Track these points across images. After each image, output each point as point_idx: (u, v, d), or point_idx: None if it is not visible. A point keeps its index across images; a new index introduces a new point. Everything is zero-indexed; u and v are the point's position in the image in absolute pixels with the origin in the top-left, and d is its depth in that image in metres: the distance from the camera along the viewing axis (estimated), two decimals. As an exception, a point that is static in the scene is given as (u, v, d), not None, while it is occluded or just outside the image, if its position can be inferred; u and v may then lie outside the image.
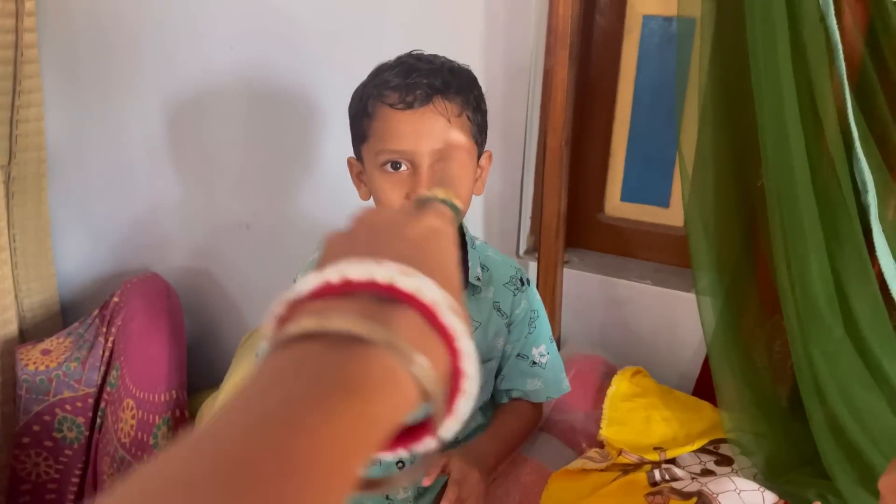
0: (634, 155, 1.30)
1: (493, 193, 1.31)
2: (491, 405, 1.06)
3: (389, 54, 0.91)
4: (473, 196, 0.94)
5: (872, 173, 0.92)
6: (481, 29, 1.23)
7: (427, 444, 0.33)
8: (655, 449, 1.01)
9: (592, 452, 1.02)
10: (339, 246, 0.36)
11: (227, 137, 1.54)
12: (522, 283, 1.00)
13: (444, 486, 0.85)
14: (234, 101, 1.50)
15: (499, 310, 0.98)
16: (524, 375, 1.01)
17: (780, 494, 0.89)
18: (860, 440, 0.90)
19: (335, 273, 0.32)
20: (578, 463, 0.99)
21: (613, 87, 1.27)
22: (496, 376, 1.03)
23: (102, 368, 1.54)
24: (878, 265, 0.93)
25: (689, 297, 1.13)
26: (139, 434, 1.43)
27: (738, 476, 0.92)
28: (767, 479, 0.95)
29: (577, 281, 1.28)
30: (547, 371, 1.02)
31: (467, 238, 0.98)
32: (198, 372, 1.62)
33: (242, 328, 1.63)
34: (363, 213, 0.39)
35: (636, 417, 1.05)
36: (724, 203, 1.05)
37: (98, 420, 1.55)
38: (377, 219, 0.38)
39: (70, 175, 1.75)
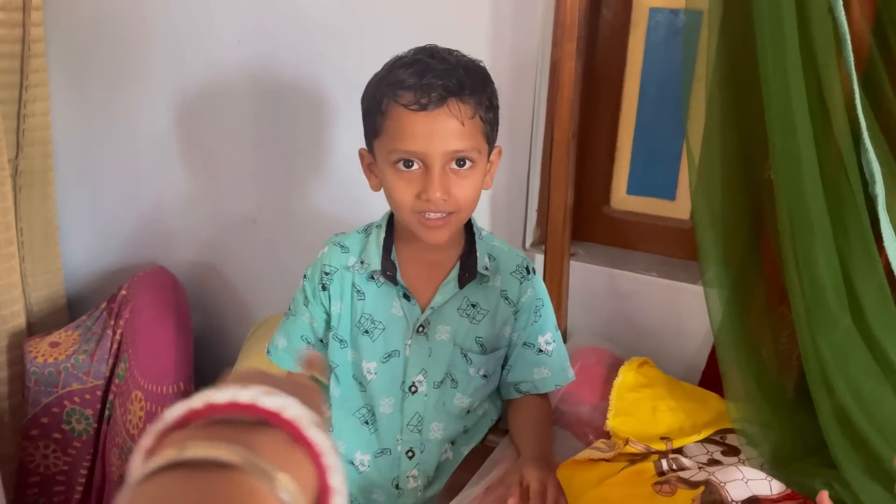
0: (640, 148, 1.30)
1: (500, 186, 1.31)
2: (497, 395, 1.07)
3: (396, 49, 0.91)
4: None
5: (880, 164, 0.92)
6: (488, 21, 1.23)
7: None
8: (662, 439, 1.01)
9: (599, 443, 1.02)
10: None
11: (235, 132, 1.55)
12: (528, 272, 1.01)
13: (454, 474, 0.86)
14: (242, 95, 1.50)
15: (506, 298, 0.99)
16: (531, 365, 1.02)
17: (787, 484, 0.89)
18: (867, 430, 0.90)
19: (199, 399, 0.33)
20: (586, 453, 0.99)
21: (620, 79, 1.27)
22: (503, 368, 1.04)
23: (110, 361, 1.55)
24: (886, 256, 0.93)
25: (696, 290, 1.14)
26: (147, 426, 1.44)
27: (745, 466, 0.92)
28: (773, 469, 0.95)
29: (584, 273, 1.28)
30: (553, 359, 1.03)
31: (474, 229, 0.99)
32: (205, 365, 1.63)
33: (249, 322, 1.63)
34: None
35: (643, 408, 1.05)
36: (730, 194, 1.05)
37: (106, 412, 1.56)
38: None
39: (77, 169, 1.75)
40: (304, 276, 1.02)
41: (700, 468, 0.94)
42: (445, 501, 0.94)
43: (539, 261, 1.27)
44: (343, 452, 1.01)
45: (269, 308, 1.59)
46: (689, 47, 1.07)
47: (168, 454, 0.30)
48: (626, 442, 1.01)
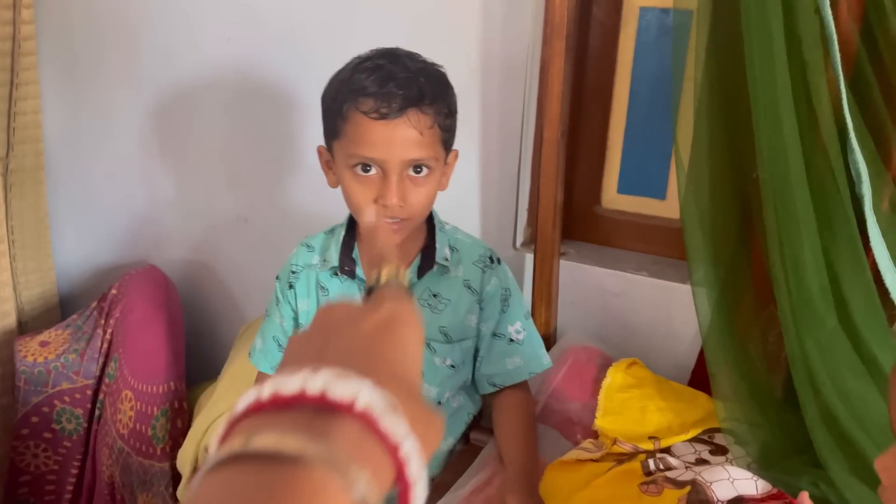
0: (631, 147, 1.30)
1: (490, 185, 1.31)
2: (474, 389, 1.07)
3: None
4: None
5: (867, 164, 0.92)
6: (478, 20, 1.23)
7: None
8: (650, 438, 1.01)
9: (587, 443, 1.02)
10: (296, 346, 0.37)
11: (225, 131, 1.54)
12: (492, 261, 1.02)
13: (441, 474, 0.85)
14: (232, 94, 1.50)
15: (469, 287, 1.00)
16: (503, 356, 1.02)
17: (773, 483, 0.90)
18: (853, 429, 0.90)
19: (267, 389, 0.31)
20: (573, 454, 0.99)
21: (610, 79, 1.27)
22: (475, 360, 1.04)
23: (101, 360, 1.55)
24: (872, 256, 0.94)
25: (685, 289, 1.14)
26: (138, 425, 1.44)
27: (732, 465, 0.92)
28: (761, 468, 0.95)
29: (574, 273, 1.28)
30: (524, 347, 1.03)
31: (436, 222, 1.01)
32: (196, 364, 1.63)
33: (240, 320, 1.63)
34: (323, 309, 0.39)
35: (631, 407, 1.05)
36: (719, 195, 1.06)
37: (97, 411, 1.55)
38: (333, 316, 0.38)
39: (68, 168, 1.75)
40: (277, 278, 1.05)
41: (687, 468, 0.94)
42: (432, 502, 0.94)
43: (529, 260, 1.27)
44: None
45: (260, 307, 1.58)
46: (679, 47, 1.07)
47: (233, 445, 0.29)
48: (614, 442, 1.01)
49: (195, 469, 1.33)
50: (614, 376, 1.09)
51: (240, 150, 1.55)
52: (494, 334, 1.02)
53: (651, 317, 1.26)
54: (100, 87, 1.65)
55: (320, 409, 0.30)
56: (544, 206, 1.19)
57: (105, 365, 1.55)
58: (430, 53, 0.93)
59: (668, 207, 1.29)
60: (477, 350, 1.04)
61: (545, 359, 1.05)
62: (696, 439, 1.02)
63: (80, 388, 1.55)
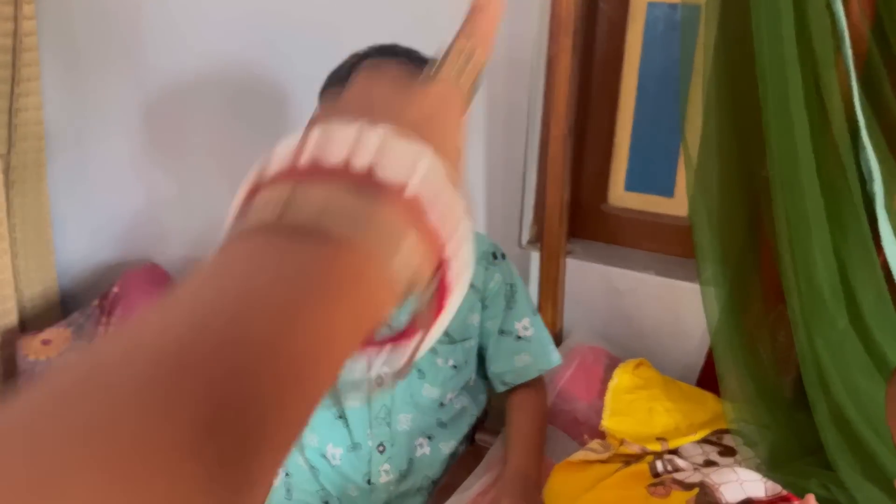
0: (638, 144, 1.29)
1: (496, 183, 1.30)
2: (479, 386, 1.05)
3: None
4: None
5: (878, 162, 0.91)
6: (483, 16, 1.22)
7: (412, 344, 0.29)
8: (658, 439, 1.00)
9: (594, 444, 1.01)
10: (331, 112, 0.30)
11: (227, 128, 1.53)
12: (495, 257, 1.01)
13: (446, 475, 0.85)
14: (234, 92, 1.49)
15: (471, 285, 0.99)
16: (511, 353, 1.01)
17: (783, 485, 0.89)
18: (863, 430, 0.90)
19: (308, 152, 0.26)
20: (580, 455, 0.98)
21: (617, 75, 1.26)
22: (483, 359, 1.03)
23: (103, 358, 1.54)
24: (883, 255, 0.92)
25: (694, 288, 1.13)
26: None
27: (741, 467, 0.91)
28: (770, 469, 0.94)
29: (580, 271, 1.27)
30: (533, 344, 1.02)
31: None
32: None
33: (243, 318, 1.62)
34: (362, 77, 0.33)
35: (639, 408, 1.04)
36: (728, 193, 1.04)
37: (99, 410, 1.55)
38: (379, 83, 0.32)
39: (70, 164, 1.74)
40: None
41: (695, 469, 0.93)
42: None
43: (535, 258, 1.26)
44: (316, 445, 1.00)
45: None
46: (687, 43, 1.05)
47: (265, 213, 0.25)
48: (622, 442, 1.00)
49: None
50: (621, 377, 1.08)
51: (241, 147, 1.54)
52: (501, 331, 1.01)
53: (658, 316, 1.25)
54: (102, 84, 1.64)
55: (364, 186, 0.25)
56: (550, 203, 1.18)
57: (107, 363, 1.54)
58: (432, 49, 0.91)
59: (676, 205, 1.28)
60: (486, 349, 1.02)
61: (554, 356, 1.04)
62: (704, 440, 1.01)
63: (82, 387, 1.54)
